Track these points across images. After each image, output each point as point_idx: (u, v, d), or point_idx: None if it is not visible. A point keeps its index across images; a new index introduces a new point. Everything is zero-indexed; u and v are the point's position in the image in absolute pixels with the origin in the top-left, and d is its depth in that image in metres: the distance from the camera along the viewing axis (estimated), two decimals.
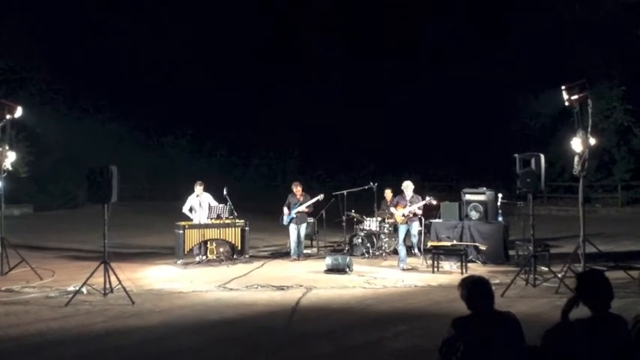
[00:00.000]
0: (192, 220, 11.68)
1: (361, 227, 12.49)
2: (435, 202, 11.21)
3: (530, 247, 8.96)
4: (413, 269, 10.51)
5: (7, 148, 10.16)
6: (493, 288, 3.84)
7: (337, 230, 13.36)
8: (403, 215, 10.91)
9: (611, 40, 22.98)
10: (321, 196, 12.10)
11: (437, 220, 11.64)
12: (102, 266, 8.20)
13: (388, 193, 12.71)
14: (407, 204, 10.95)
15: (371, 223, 12.32)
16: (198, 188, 11.73)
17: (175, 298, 8.25)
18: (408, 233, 11.15)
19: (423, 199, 11.02)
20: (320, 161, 34.71)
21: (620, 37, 22.77)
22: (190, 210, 11.82)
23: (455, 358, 3.57)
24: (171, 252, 11.98)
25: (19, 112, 10.12)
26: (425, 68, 31.91)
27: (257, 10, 34.89)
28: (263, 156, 37.34)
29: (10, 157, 10.24)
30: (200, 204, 11.71)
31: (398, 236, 11.04)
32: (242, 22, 35.08)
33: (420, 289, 8.84)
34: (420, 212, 11.09)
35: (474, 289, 3.76)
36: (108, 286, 8.21)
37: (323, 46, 33.90)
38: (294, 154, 36.19)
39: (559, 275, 8.59)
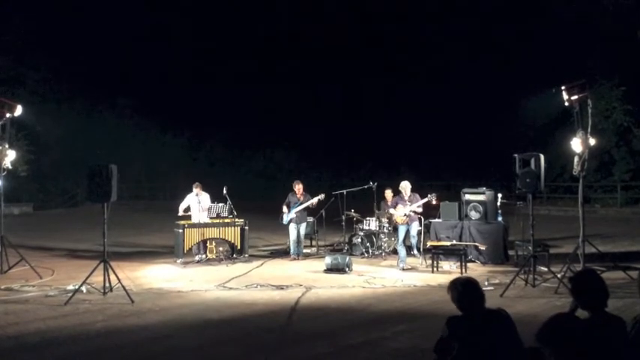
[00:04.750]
0: (191, 218, 11.69)
1: (361, 227, 12.47)
2: (434, 202, 11.19)
3: (530, 247, 8.95)
4: (412, 269, 10.50)
5: (6, 146, 10.16)
6: (490, 288, 3.85)
7: (337, 230, 13.37)
8: (405, 215, 10.91)
9: (611, 41, 22.97)
10: (321, 196, 12.09)
11: (436, 220, 11.63)
12: (101, 265, 8.21)
13: (388, 194, 12.63)
14: (406, 204, 10.95)
15: (370, 223, 12.30)
16: (196, 190, 11.77)
17: (175, 297, 8.26)
18: (407, 233, 11.15)
19: (423, 197, 11.02)
20: (320, 160, 34.72)
21: (620, 37, 22.76)
22: (186, 210, 11.82)
23: (450, 357, 3.58)
24: (170, 251, 11.99)
25: (19, 110, 10.13)
26: (425, 68, 31.92)
27: (257, 9, 34.90)
28: (263, 155, 37.32)
29: (10, 155, 10.24)
30: (200, 202, 11.72)
31: (398, 236, 11.03)
32: (241, 22, 35.10)
33: (419, 289, 8.83)
34: (420, 210, 11.09)
35: (464, 290, 3.77)
36: (107, 285, 8.22)
37: (322, 45, 33.90)
38: (293, 153, 36.18)
39: (558, 275, 8.59)
